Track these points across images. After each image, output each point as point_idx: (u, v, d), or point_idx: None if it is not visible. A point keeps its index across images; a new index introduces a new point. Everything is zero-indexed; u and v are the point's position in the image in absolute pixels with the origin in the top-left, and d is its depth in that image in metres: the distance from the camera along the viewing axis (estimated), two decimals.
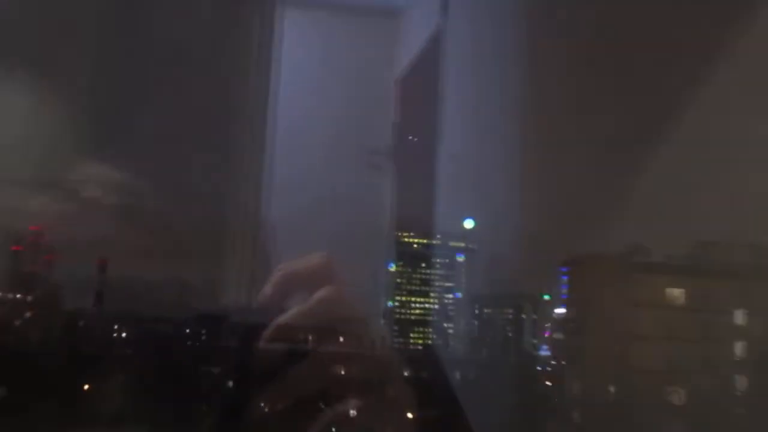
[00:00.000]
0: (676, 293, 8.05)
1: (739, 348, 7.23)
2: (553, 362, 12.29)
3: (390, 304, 14.44)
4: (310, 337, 1.22)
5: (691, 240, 7.51)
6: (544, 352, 13.08)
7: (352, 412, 1.20)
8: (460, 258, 13.77)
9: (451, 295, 14.40)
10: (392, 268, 13.44)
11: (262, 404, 1.19)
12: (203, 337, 1.24)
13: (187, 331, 1.23)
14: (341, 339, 1.23)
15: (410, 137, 9.43)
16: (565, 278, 11.36)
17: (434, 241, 13.04)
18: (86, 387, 1.19)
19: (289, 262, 1.29)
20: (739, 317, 7.42)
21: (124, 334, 1.23)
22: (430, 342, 14.38)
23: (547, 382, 11.16)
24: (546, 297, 12.58)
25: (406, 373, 1.30)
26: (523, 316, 13.43)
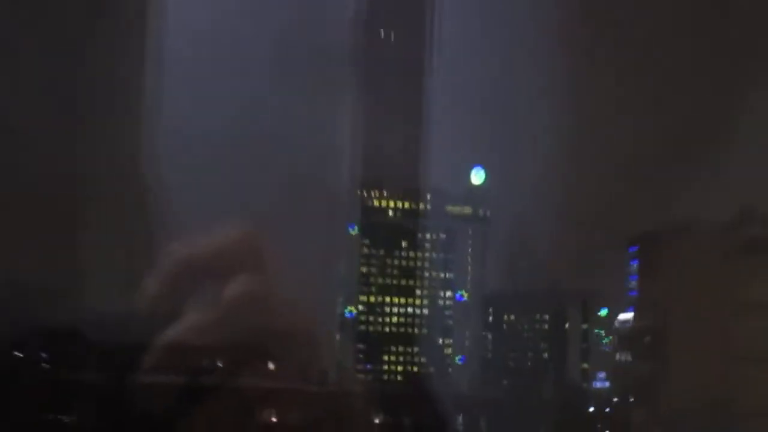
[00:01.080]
0: None
1: None
2: (615, 400, 12.37)
3: (349, 310, 14.47)
4: (220, 363, 1.20)
5: None
6: (602, 383, 13.20)
7: None
8: (465, 231, 13.78)
9: (449, 293, 14.47)
10: (354, 239, 13.38)
11: None
12: (49, 365, 1.23)
13: (25, 355, 1.23)
14: (271, 365, 1.21)
15: (383, 37, 9.44)
16: (634, 264, 11.43)
17: (423, 205, 13.06)
18: None
19: (187, 241, 1.26)
20: None
21: None
22: (416, 369, 14.46)
23: None
24: (603, 312, 12.64)
25: (377, 420, 1.29)
26: (567, 325, 13.52)
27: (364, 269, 12.63)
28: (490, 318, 13.03)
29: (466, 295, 13.66)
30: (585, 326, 12.22)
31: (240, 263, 1.23)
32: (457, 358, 13.37)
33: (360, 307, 12.80)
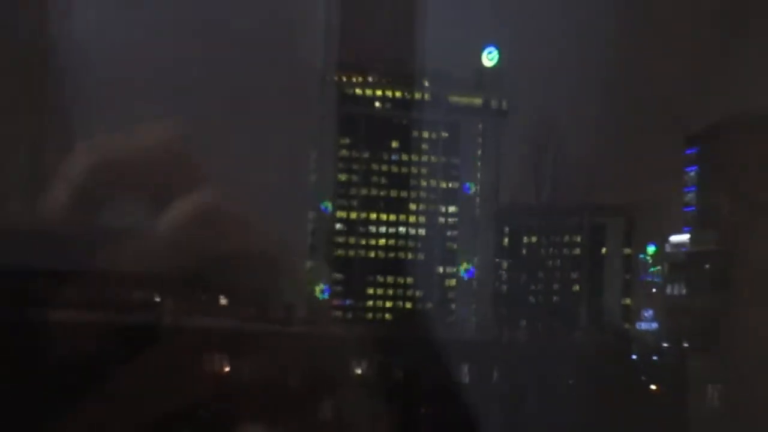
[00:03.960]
0: None
1: None
2: (665, 345, 12.53)
3: (326, 205, 14.72)
4: (158, 298, 1.20)
5: None
6: (648, 324, 13.35)
7: None
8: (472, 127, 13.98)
9: (453, 208, 14.64)
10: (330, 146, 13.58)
11: None
12: None
13: None
14: (223, 300, 1.21)
15: None
16: (692, 171, 11.47)
17: (419, 94, 13.19)
18: None
19: (110, 137, 1.25)
20: None
21: None
22: (410, 305, 14.65)
23: (652, 387, 11.35)
24: (651, 248, 12.73)
25: (358, 370, 1.30)
26: (604, 250, 13.68)
27: (342, 177, 12.50)
28: (506, 240, 12.95)
29: (476, 211, 13.55)
30: (628, 251, 12.17)
31: (183, 171, 1.22)
32: (462, 288, 13.28)
33: (338, 226, 12.69)
